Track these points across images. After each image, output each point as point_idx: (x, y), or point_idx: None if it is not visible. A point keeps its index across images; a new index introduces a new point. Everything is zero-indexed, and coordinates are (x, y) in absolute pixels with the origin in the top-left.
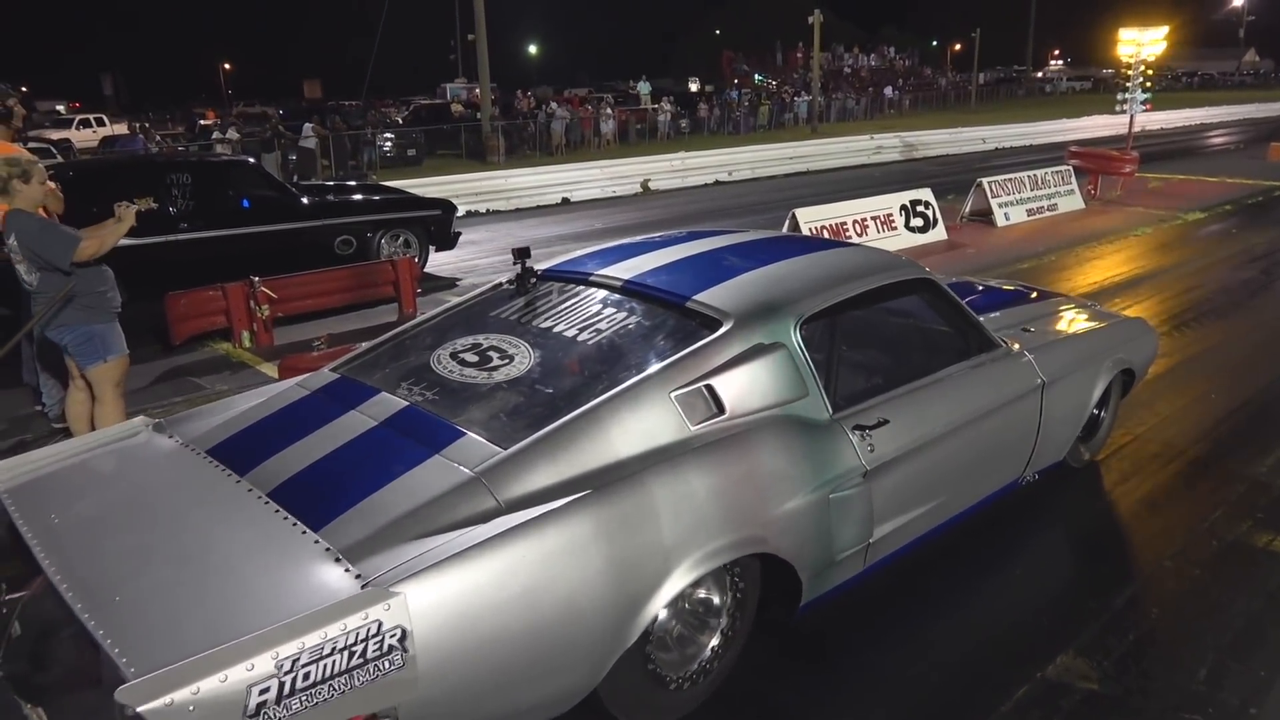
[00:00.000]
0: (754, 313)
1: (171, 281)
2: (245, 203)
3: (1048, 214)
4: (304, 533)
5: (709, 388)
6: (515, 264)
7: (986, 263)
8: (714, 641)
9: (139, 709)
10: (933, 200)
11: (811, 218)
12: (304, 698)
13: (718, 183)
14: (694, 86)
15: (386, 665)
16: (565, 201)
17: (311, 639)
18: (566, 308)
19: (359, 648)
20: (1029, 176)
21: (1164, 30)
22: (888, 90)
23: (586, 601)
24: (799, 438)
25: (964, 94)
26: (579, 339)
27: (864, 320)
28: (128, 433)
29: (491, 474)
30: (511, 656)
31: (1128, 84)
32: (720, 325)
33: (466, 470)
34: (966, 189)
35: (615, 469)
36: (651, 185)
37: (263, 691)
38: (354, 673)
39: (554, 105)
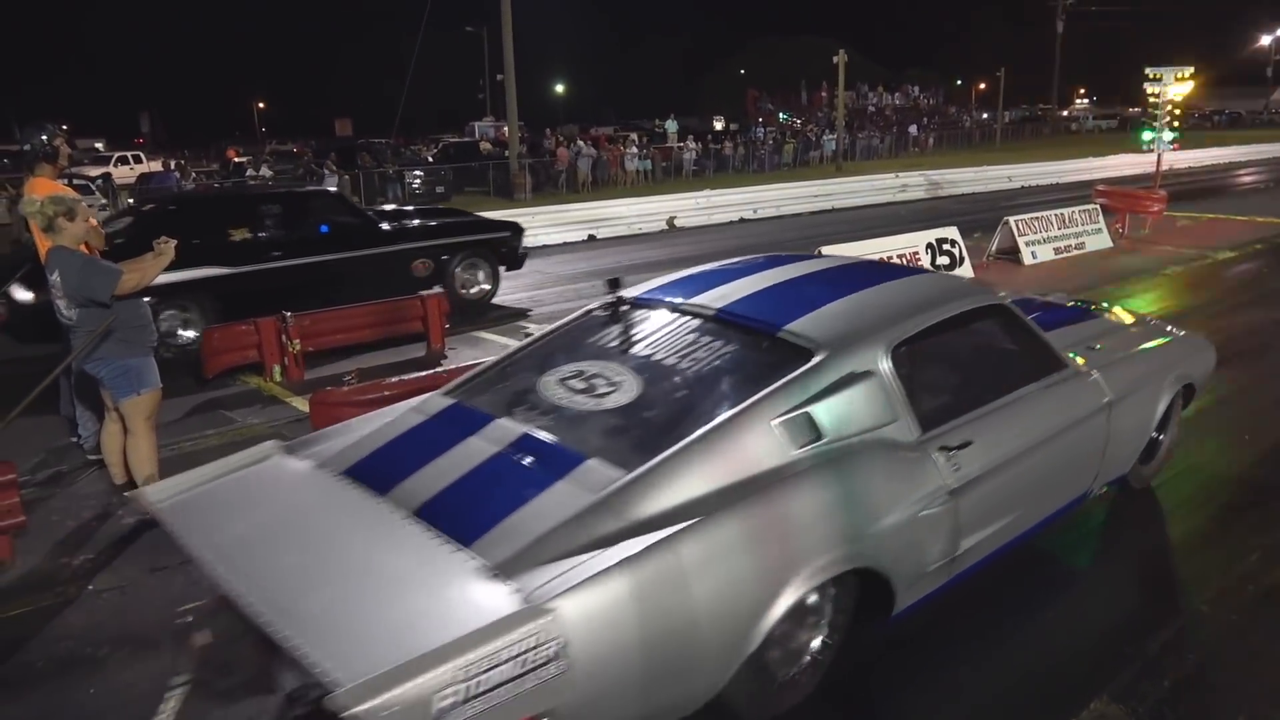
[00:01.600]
0: (845, 342)
1: (268, 306)
2: (326, 229)
3: (1075, 252)
4: (455, 550)
5: (807, 415)
6: (608, 293)
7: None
8: (815, 644)
9: (354, 710)
10: (959, 238)
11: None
12: (480, 702)
13: (743, 220)
14: (719, 125)
15: (548, 672)
16: (591, 239)
17: (487, 650)
18: (662, 336)
19: (526, 657)
20: (1056, 215)
21: (1190, 70)
22: (912, 129)
23: (716, 612)
24: (891, 460)
25: (989, 132)
26: (679, 367)
27: (943, 345)
28: (262, 455)
29: (617, 497)
30: (651, 662)
31: (1154, 123)
32: (813, 355)
33: (594, 494)
34: (993, 227)
35: (727, 492)
36: (677, 223)
37: (447, 698)
38: (523, 678)
39: (580, 143)
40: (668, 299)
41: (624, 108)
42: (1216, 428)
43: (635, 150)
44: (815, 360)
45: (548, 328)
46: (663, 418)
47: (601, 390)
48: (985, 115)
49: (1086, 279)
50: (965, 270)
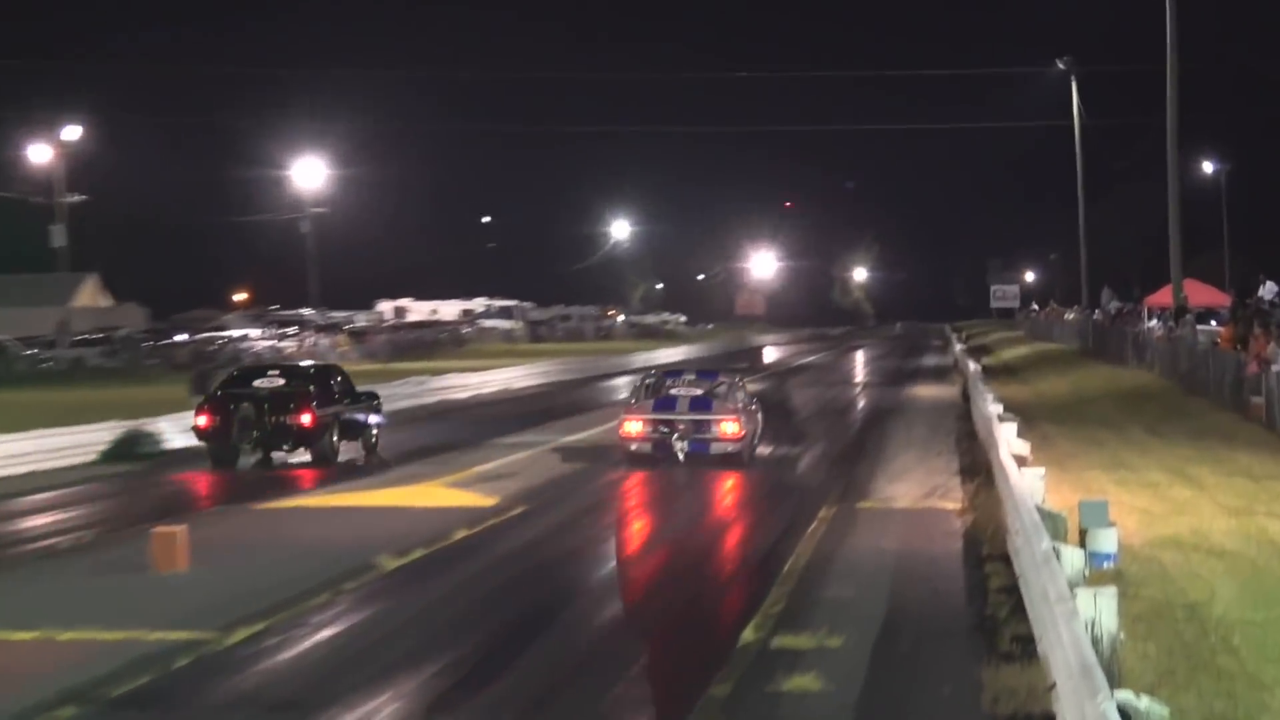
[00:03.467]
0: (731, 377)
1: None
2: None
3: None
4: (707, 412)
5: (743, 392)
6: (653, 374)
7: None
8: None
9: (729, 414)
10: None
11: None
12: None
13: None
14: None
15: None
16: None
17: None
18: (686, 381)
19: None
20: None
21: None
22: None
23: (753, 421)
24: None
25: None
26: (703, 384)
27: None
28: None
29: (727, 402)
30: (755, 429)
31: None
32: (735, 377)
33: (723, 404)
34: None
35: (746, 400)
36: None
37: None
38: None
39: None
40: (678, 374)
41: None
42: None
43: None
44: (737, 377)
45: (650, 373)
46: (720, 391)
47: (692, 390)
48: None
49: None
50: None
